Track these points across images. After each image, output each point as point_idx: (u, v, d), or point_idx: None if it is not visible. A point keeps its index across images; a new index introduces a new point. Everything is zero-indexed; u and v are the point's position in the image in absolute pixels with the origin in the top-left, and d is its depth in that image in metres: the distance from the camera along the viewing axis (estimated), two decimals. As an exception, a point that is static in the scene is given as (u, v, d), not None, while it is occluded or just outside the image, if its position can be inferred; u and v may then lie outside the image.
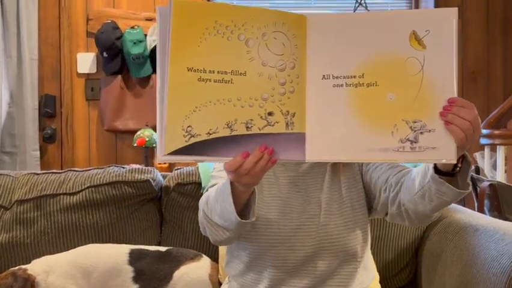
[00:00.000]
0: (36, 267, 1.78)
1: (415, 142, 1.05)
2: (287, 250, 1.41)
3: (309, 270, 1.41)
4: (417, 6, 4.20)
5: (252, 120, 1.09)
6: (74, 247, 1.93)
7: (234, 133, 1.08)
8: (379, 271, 1.91)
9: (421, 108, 1.05)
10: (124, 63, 3.82)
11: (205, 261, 1.88)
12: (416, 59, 1.05)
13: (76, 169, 2.16)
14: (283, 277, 1.42)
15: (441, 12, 1.07)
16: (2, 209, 2.03)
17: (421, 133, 1.05)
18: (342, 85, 1.09)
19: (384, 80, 1.06)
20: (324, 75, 1.10)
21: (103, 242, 2.00)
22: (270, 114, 1.10)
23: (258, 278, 1.44)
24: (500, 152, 3.15)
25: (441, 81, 1.05)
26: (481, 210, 2.71)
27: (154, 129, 3.75)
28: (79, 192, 2.03)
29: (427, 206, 1.25)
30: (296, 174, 1.46)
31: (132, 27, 3.80)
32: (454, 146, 1.06)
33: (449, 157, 1.06)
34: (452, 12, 1.06)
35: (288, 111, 1.10)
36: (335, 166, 1.46)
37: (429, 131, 1.05)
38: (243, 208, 1.28)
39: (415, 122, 1.05)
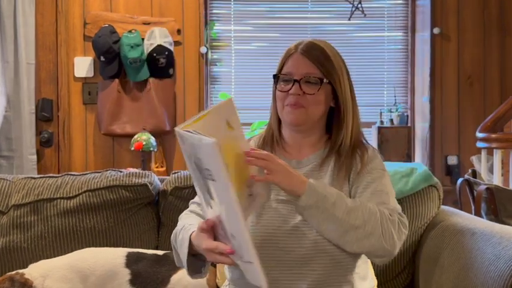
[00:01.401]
0: (33, 271, 1.78)
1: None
2: (282, 251, 1.41)
3: (306, 273, 1.40)
4: (413, 9, 4.21)
5: None
6: (71, 251, 1.92)
7: None
8: (376, 275, 1.91)
9: None
10: (121, 67, 3.82)
11: (202, 265, 1.87)
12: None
13: (73, 173, 2.16)
14: (280, 279, 1.41)
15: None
16: (-1, 213, 2.02)
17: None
18: None
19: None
20: None
21: (100, 246, 2.00)
22: None
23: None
24: (497, 155, 3.16)
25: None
26: (477, 213, 2.72)
27: (151, 133, 3.75)
28: (76, 196, 2.03)
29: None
30: None
31: (129, 31, 3.81)
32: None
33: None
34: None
35: None
36: (335, 172, 1.46)
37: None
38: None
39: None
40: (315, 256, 1.40)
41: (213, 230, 1.25)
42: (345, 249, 1.37)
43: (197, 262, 1.36)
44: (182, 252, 1.34)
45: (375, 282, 1.86)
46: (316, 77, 1.46)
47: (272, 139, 1.55)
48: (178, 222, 1.46)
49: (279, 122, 1.54)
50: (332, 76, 1.47)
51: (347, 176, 1.46)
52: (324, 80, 1.46)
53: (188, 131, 1.08)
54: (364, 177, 1.45)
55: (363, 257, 1.50)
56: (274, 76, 1.51)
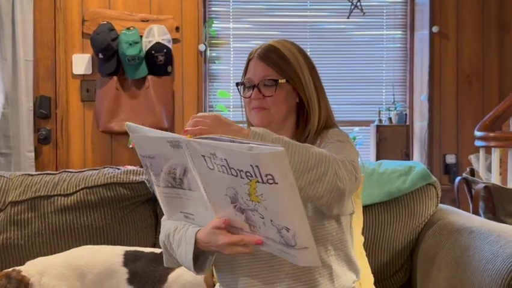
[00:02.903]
0: (30, 268, 1.78)
1: None
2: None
3: (282, 263, 1.40)
4: (412, 8, 4.21)
5: None
6: (69, 248, 1.92)
7: None
8: (374, 273, 1.91)
9: None
10: (120, 64, 3.81)
11: (200, 263, 1.87)
12: None
13: (71, 170, 2.15)
14: (258, 272, 1.42)
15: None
16: (-4, 211, 2.02)
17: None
18: None
19: None
20: None
21: (97, 244, 1.99)
22: None
23: (235, 276, 1.45)
24: (495, 154, 3.16)
25: None
26: (475, 212, 2.72)
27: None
28: (73, 193, 2.03)
29: None
30: None
31: (128, 29, 3.80)
32: None
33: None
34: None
35: None
36: None
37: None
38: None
39: None
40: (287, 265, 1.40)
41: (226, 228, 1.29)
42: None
43: (196, 262, 1.38)
44: (185, 250, 1.36)
45: (371, 277, 1.86)
46: (272, 79, 1.51)
47: None
48: (165, 224, 1.48)
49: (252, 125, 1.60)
50: (289, 74, 1.52)
51: None
52: (280, 80, 1.51)
53: (238, 140, 1.20)
54: (323, 145, 1.47)
55: (344, 237, 1.49)
56: (238, 84, 1.58)
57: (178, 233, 1.40)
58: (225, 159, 1.17)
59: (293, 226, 1.19)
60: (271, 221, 1.21)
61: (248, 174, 1.16)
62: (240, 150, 1.15)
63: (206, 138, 1.22)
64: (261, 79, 1.52)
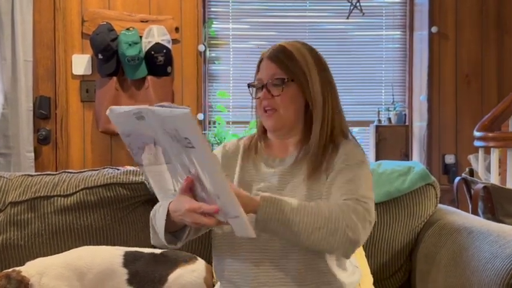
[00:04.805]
0: (30, 269, 1.78)
1: None
2: (257, 248, 1.43)
3: (282, 263, 1.43)
4: (411, 8, 4.21)
5: None
6: (69, 249, 1.92)
7: None
8: (373, 274, 1.92)
9: None
10: (119, 65, 3.81)
11: (200, 263, 1.88)
12: None
13: (71, 171, 2.15)
14: (260, 267, 1.43)
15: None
16: (-4, 211, 2.02)
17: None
18: None
19: None
20: None
21: (97, 244, 2.00)
22: None
23: (239, 276, 1.46)
24: (494, 154, 3.16)
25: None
26: (475, 212, 2.72)
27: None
28: (73, 194, 2.03)
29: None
30: (279, 171, 1.52)
31: (127, 29, 3.80)
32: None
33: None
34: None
35: None
36: (308, 168, 1.49)
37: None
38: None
39: None
40: (288, 248, 1.42)
41: (191, 191, 1.29)
42: (314, 250, 1.37)
43: (172, 238, 1.41)
44: (160, 220, 1.38)
45: (371, 278, 1.87)
46: (279, 78, 1.50)
47: (256, 142, 1.61)
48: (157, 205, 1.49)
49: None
50: (297, 75, 1.50)
51: (318, 172, 1.47)
52: (286, 80, 1.49)
53: (162, 105, 1.16)
54: (338, 165, 1.46)
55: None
56: (249, 85, 1.57)
57: (159, 209, 1.42)
58: (167, 125, 1.15)
59: (220, 193, 1.17)
60: (209, 188, 1.20)
61: (177, 138, 1.14)
62: (164, 112, 1.11)
63: (162, 106, 1.19)
64: (269, 78, 1.51)
